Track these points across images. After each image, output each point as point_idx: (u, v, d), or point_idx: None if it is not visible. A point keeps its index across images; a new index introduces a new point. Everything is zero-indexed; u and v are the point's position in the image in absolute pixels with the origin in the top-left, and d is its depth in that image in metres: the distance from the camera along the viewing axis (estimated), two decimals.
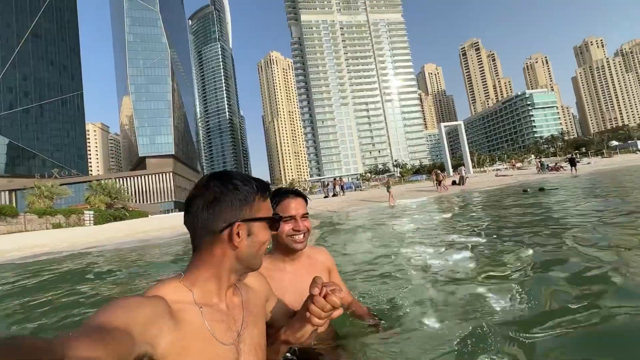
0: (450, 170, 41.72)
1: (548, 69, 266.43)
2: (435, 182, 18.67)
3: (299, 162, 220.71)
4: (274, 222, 0.86)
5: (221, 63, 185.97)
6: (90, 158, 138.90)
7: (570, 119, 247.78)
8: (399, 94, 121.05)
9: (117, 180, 53.02)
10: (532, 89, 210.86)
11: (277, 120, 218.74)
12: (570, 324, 1.41)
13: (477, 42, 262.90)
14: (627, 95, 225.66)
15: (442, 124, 43.71)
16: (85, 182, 53.42)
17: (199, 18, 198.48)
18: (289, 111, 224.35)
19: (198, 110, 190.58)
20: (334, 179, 29.67)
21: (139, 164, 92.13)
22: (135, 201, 59.17)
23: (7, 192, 55.70)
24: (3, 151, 78.81)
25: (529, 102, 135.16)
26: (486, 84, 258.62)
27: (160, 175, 71.78)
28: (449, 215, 6.94)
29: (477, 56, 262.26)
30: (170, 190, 71.75)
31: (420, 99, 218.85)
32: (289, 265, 1.40)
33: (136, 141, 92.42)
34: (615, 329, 1.38)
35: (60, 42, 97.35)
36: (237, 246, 0.78)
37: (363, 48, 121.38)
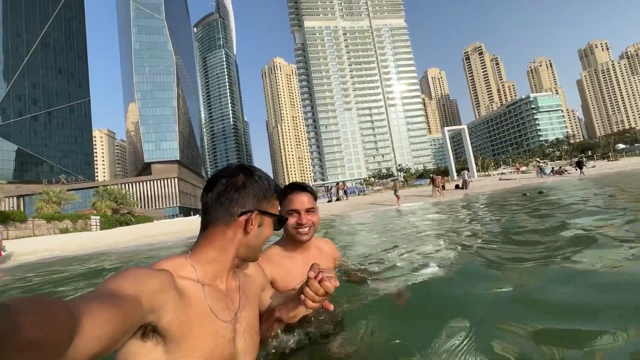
0: (454, 174, 41.66)
1: (552, 72, 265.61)
2: (433, 187, 18.75)
3: (303, 167, 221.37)
4: (279, 221, 0.92)
5: (225, 69, 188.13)
6: (96, 164, 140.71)
7: (576, 122, 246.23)
8: (402, 99, 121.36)
9: (123, 185, 53.69)
10: (537, 92, 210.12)
11: (281, 126, 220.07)
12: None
13: (481, 46, 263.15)
14: (633, 98, 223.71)
15: (446, 128, 43.75)
16: (91, 187, 54.14)
17: (203, 25, 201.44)
18: (293, 116, 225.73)
19: (203, 116, 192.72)
20: (337, 184, 29.74)
21: (145, 169, 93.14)
22: (141, 206, 59.69)
23: (15, 198, 56.56)
24: (12, 157, 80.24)
25: (533, 106, 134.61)
26: (490, 87, 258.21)
27: (165, 180, 72.46)
28: (443, 218, 7.03)
29: (480, 60, 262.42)
30: (175, 195, 72.35)
31: (424, 104, 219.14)
32: (299, 254, 1.49)
33: (142, 147, 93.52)
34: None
35: (68, 50, 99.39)
36: (249, 232, 0.83)
37: (366, 53, 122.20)
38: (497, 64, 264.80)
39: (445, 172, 63.64)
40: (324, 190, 48.44)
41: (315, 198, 1.51)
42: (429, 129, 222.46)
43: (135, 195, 62.21)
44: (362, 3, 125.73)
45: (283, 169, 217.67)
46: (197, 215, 53.14)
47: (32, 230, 23.99)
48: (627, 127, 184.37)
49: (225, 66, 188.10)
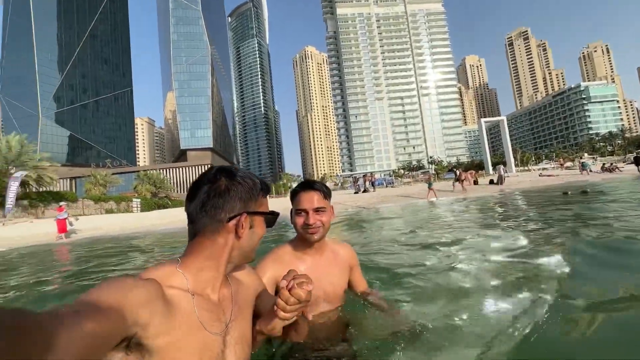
0: (490, 168, 39.64)
1: (609, 58, 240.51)
2: (458, 181, 18.09)
3: (332, 157, 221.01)
4: (271, 219, 0.90)
5: (258, 59, 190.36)
6: (138, 150, 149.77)
7: (633, 114, 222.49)
8: (436, 88, 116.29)
9: (161, 171, 56.86)
10: (589, 81, 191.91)
11: (311, 115, 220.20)
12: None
13: (526, 31, 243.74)
14: None
15: (483, 120, 41.52)
16: (133, 172, 57.89)
17: (237, 15, 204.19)
18: (323, 106, 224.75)
19: (235, 105, 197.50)
20: (364, 175, 29.47)
21: (181, 156, 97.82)
22: (176, 191, 63.09)
23: (68, 180, 61.91)
24: (65, 142, 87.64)
25: (584, 96, 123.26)
26: (535, 76, 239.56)
27: (199, 167, 75.68)
28: (468, 215, 6.76)
29: (525, 46, 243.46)
30: None
31: (460, 93, 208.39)
32: (309, 255, 1.42)
33: (178, 134, 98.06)
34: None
35: (113, 42, 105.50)
36: (240, 236, 0.81)
37: (400, 40, 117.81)
38: (545, 50, 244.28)
39: (479, 166, 60.76)
40: (351, 181, 48.20)
41: (327, 196, 1.42)
42: (464, 120, 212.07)
43: (171, 180, 65.78)
44: None
45: (312, 158, 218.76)
46: None
47: (82, 209, 26.25)
48: None
49: (257, 55, 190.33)
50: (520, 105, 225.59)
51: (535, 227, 4.21)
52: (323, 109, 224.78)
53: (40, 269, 4.98)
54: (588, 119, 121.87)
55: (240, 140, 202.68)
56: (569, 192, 9.04)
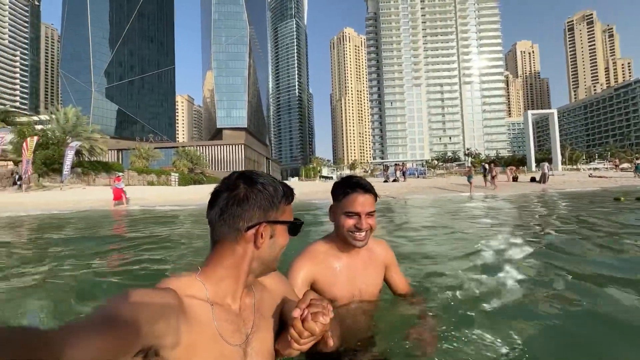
0: (533, 165, 37.12)
1: None
2: (485, 176, 17.16)
3: (363, 143, 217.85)
4: (294, 227, 0.86)
5: (295, 40, 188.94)
6: (177, 126, 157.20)
7: None
8: (480, 76, 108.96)
9: (198, 148, 59.37)
10: None
11: (345, 99, 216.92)
12: None
13: (591, 15, 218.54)
14: None
15: (530, 112, 38.68)
16: (172, 147, 61.02)
17: None
18: (358, 90, 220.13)
19: (270, 86, 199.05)
20: (396, 164, 28.85)
21: (217, 134, 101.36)
22: (212, 168, 65.81)
23: (115, 152, 66.73)
24: (113, 116, 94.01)
25: None
26: (596, 65, 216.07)
27: (234, 146, 78.04)
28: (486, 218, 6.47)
29: (588, 31, 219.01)
30: (241, 160, 77.81)
31: (507, 82, 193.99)
32: (345, 253, 1.36)
33: (215, 113, 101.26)
34: None
35: (159, 21, 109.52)
36: (259, 246, 0.78)
37: (445, 23, 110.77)
38: (611, 36, 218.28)
39: (521, 162, 57.04)
40: (381, 169, 47.48)
41: (376, 199, 1.35)
42: (509, 111, 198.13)
43: (207, 158, 68.65)
44: None
45: (343, 144, 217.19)
46: None
47: (127, 180, 28.33)
48: None
49: (295, 36, 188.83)
50: (575, 98, 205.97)
51: (568, 237, 3.97)
52: (358, 94, 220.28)
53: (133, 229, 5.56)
54: None
55: (273, 121, 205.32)
56: (622, 198, 8.16)
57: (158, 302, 0.63)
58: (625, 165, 41.71)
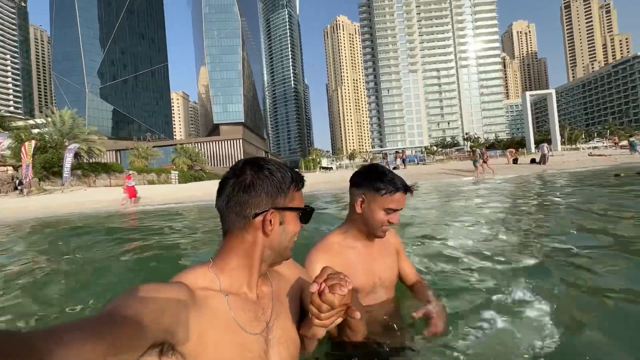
0: (532, 146, 37.07)
1: None
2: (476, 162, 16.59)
3: (362, 132, 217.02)
4: (305, 214, 0.84)
5: (288, 30, 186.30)
6: (174, 124, 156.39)
7: None
8: (477, 59, 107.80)
9: (196, 144, 59.25)
10: None
11: (341, 89, 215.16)
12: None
13: None
14: None
15: (528, 93, 38.32)
16: (171, 145, 60.89)
17: None
18: (354, 79, 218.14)
19: (265, 79, 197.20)
20: (396, 152, 28.91)
21: (214, 130, 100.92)
22: (211, 164, 65.77)
23: (114, 152, 66.59)
24: (109, 117, 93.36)
25: None
26: (593, 43, 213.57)
27: (232, 141, 77.86)
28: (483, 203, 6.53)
29: (585, 8, 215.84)
30: (240, 155, 77.63)
31: (504, 64, 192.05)
32: (360, 242, 1.37)
33: (211, 109, 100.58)
34: None
35: (149, 17, 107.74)
36: (269, 234, 0.77)
37: (439, 7, 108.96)
38: (609, 12, 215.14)
39: (520, 144, 56.95)
40: (381, 158, 47.45)
41: None
42: (507, 93, 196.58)
43: (206, 154, 68.57)
44: None
45: (341, 133, 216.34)
46: None
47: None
48: None
49: (287, 27, 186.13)
50: (573, 77, 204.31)
51: (573, 218, 4.03)
52: (354, 83, 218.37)
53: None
54: None
55: (270, 114, 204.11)
56: (622, 174, 8.32)
57: (166, 296, 0.63)
58: (624, 142, 41.67)
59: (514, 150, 26.58)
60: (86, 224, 7.19)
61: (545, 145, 19.36)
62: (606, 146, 39.43)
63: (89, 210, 11.12)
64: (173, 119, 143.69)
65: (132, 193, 12.64)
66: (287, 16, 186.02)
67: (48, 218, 9.20)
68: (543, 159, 18.08)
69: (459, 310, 1.50)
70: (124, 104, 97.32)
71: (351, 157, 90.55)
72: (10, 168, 22.89)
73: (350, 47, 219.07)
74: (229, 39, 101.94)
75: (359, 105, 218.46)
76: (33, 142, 20.91)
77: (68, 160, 21.34)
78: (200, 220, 6.48)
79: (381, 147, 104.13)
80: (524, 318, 1.42)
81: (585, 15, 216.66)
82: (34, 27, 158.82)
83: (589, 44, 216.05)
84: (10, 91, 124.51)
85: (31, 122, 32.80)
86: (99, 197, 14.62)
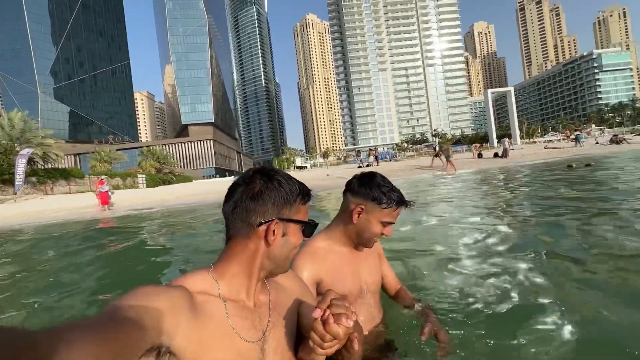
0: (495, 141, 39.26)
1: (625, 23, 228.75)
2: (435, 157, 17.24)
3: (334, 130, 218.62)
4: (309, 228, 0.85)
5: (257, 28, 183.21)
6: (139, 125, 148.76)
7: None
8: (442, 58, 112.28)
9: (164, 146, 56.83)
10: (603, 48, 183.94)
11: (313, 87, 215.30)
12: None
13: None
14: None
15: (489, 90, 40.58)
16: (136, 148, 57.91)
17: None
18: (325, 78, 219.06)
19: (235, 77, 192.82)
20: (370, 149, 29.51)
21: (182, 131, 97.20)
22: (180, 167, 63.40)
23: (72, 156, 62.24)
24: (66, 118, 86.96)
25: (595, 64, 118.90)
26: (546, 43, 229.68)
27: (202, 142, 75.46)
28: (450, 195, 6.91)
29: (538, 10, 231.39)
30: (211, 156, 75.55)
31: (467, 63, 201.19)
32: (346, 247, 1.33)
33: (179, 109, 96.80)
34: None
35: (106, 12, 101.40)
36: (271, 243, 0.77)
37: (405, 7, 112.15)
38: (558, 15, 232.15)
39: (484, 139, 60.07)
40: (354, 155, 48.09)
41: None
42: (470, 91, 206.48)
43: (175, 156, 65.98)
44: None
45: (314, 132, 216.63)
46: (232, 177, 55.73)
47: (89, 186, 26.65)
48: None
49: (256, 25, 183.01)
50: (529, 75, 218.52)
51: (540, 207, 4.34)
52: (325, 81, 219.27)
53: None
54: (598, 89, 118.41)
55: (241, 114, 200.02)
56: (574, 165, 9.12)
57: (166, 299, 0.62)
58: (573, 136, 45.27)
59: (478, 145, 28.01)
60: (45, 234, 6.71)
61: (507, 139, 20.61)
62: (559, 139, 42.62)
63: (47, 220, 10.35)
64: (138, 120, 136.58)
65: (104, 199, 11.83)
66: (255, 13, 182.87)
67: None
68: (505, 153, 19.24)
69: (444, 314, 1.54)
70: (82, 104, 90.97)
71: (325, 155, 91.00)
72: None
73: (321, 45, 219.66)
74: (196, 37, 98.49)
75: (330, 104, 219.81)
76: None
77: (21, 166, 19.68)
78: (176, 226, 6.26)
79: (354, 144, 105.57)
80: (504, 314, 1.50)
81: (538, 18, 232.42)
82: None
83: (542, 45, 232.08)
84: None
85: None
86: (59, 206, 13.64)
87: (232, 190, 0.80)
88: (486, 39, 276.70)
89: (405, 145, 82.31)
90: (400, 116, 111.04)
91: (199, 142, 75.56)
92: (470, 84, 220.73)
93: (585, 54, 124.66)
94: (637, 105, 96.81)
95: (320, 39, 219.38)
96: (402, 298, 1.48)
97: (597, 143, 24.19)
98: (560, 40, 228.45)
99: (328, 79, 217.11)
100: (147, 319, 0.56)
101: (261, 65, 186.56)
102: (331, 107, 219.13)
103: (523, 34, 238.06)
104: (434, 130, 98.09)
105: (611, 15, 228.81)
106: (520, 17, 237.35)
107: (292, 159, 70.35)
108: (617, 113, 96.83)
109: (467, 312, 1.56)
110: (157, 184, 31.74)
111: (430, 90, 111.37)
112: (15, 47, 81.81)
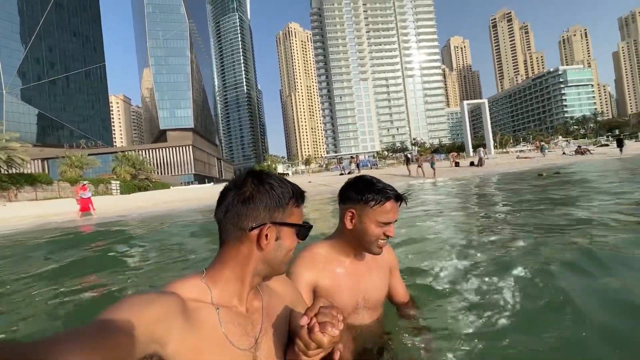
0: (470, 150, 40.73)
1: (587, 42, 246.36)
2: (411, 165, 17.95)
3: (316, 138, 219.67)
4: (303, 231, 0.83)
5: (239, 35, 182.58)
6: (114, 130, 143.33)
7: (606, 98, 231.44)
8: (421, 69, 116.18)
9: (140, 152, 55.00)
10: (568, 64, 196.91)
11: (295, 95, 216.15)
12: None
13: (510, 13, 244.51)
14: None
15: (465, 102, 42.21)
16: (110, 153, 55.72)
17: None
18: (307, 86, 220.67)
19: (216, 83, 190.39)
20: (351, 157, 29.85)
21: (160, 136, 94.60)
22: (158, 173, 61.45)
23: (40, 161, 58.98)
24: (34, 121, 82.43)
25: (561, 80, 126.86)
26: (516, 59, 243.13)
27: (181, 148, 73.73)
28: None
29: (508, 28, 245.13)
30: (190, 163, 73.85)
31: (444, 75, 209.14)
32: (348, 257, 1.26)
33: (157, 114, 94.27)
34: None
35: (82, 12, 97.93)
36: (264, 248, 0.76)
37: (385, 19, 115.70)
38: (527, 32, 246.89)
39: (461, 148, 62.27)
40: (336, 163, 48.39)
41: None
42: (447, 102, 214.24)
43: (152, 162, 63.86)
44: None
45: (296, 139, 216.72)
46: (212, 184, 54.56)
47: (57, 192, 25.27)
48: None
49: (239, 31, 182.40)
50: (502, 88, 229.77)
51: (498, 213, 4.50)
52: (307, 89, 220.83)
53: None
54: (564, 103, 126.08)
55: (222, 120, 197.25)
56: (544, 174, 9.60)
57: (157, 305, 0.61)
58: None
59: (455, 154, 28.95)
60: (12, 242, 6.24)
61: (482, 149, 21.43)
62: (530, 149, 44.83)
63: (9, 229, 9.66)
64: (113, 124, 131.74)
65: (85, 206, 11.14)
66: (238, 20, 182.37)
67: None
68: (480, 162, 19.98)
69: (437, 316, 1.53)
70: (52, 107, 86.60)
71: (307, 162, 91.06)
72: None
73: (303, 54, 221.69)
74: (176, 41, 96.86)
75: (312, 111, 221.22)
76: None
77: None
78: (152, 236, 6.00)
79: (335, 152, 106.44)
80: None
81: (509, 34, 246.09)
82: None
83: (513, 59, 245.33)
84: None
85: None
86: (24, 213, 12.79)
87: (223, 194, 0.79)
88: (462, 53, 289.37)
89: (386, 153, 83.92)
90: (381, 125, 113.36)
91: (177, 148, 73.75)
92: (447, 95, 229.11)
93: (552, 69, 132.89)
94: (598, 119, 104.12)
95: (302, 47, 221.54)
96: (404, 312, 1.44)
97: (564, 153, 25.64)
98: (530, 56, 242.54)
99: (310, 86, 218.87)
100: (139, 327, 0.55)
101: (243, 72, 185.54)
102: (313, 115, 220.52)
103: (495, 50, 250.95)
104: (414, 139, 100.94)
105: (574, 35, 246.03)
106: (493, 34, 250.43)
107: (273, 165, 69.86)
108: (581, 125, 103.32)
109: (453, 316, 1.54)
110: (132, 191, 30.55)
111: (410, 100, 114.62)
112: None
